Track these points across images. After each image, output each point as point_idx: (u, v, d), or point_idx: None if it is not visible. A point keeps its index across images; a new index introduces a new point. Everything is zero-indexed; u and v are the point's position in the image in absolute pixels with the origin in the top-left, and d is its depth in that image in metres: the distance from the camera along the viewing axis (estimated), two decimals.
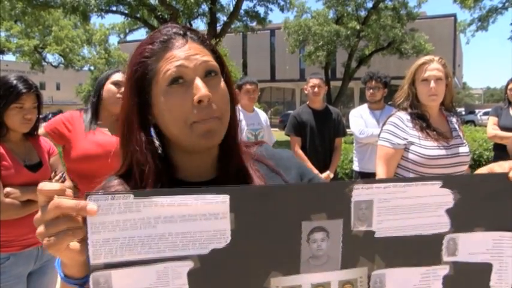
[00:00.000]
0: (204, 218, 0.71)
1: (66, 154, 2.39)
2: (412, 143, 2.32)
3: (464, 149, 2.36)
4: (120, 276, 0.68)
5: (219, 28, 17.45)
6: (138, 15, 17.99)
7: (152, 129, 0.88)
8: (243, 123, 3.93)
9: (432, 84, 2.32)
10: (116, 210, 0.68)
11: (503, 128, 4.18)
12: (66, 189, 0.67)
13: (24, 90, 2.05)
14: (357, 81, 20.67)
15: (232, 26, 18.63)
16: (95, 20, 42.86)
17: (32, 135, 2.21)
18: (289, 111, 21.54)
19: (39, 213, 0.67)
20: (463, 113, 37.22)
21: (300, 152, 4.14)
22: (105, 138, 2.39)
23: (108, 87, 2.44)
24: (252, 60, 38.13)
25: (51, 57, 32.04)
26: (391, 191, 0.78)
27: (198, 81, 0.82)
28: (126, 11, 17.35)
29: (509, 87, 4.38)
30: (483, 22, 19.37)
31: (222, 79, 0.89)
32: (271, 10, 19.51)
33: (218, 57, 0.91)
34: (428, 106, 2.39)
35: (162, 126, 0.87)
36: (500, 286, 0.82)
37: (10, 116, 2.05)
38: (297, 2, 21.91)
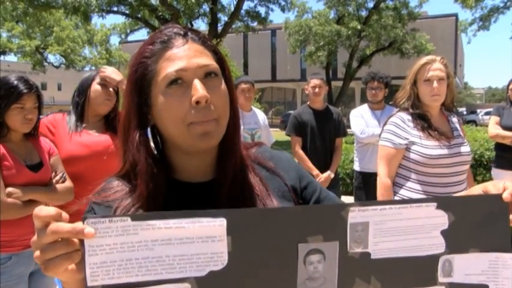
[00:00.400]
0: (201, 240, 0.72)
1: None
2: (413, 143, 2.32)
3: (465, 149, 2.36)
4: None
5: (220, 28, 17.46)
6: (139, 16, 18.01)
7: (149, 130, 0.88)
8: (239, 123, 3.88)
9: (435, 84, 2.32)
10: (113, 233, 0.68)
11: (505, 128, 4.17)
12: (62, 214, 0.68)
13: (25, 91, 2.06)
14: (357, 81, 20.66)
15: (233, 26, 18.64)
16: (96, 20, 43.13)
17: (32, 135, 2.21)
18: (290, 112, 21.55)
19: (36, 236, 0.67)
20: (465, 112, 37.19)
21: (301, 152, 4.14)
22: (91, 139, 2.39)
23: (95, 87, 2.43)
24: (253, 60, 38.14)
25: (53, 58, 32.11)
26: (387, 213, 0.78)
27: (197, 82, 0.82)
28: (127, 12, 17.37)
29: (510, 87, 4.37)
30: (484, 22, 19.34)
31: (223, 80, 0.88)
32: (272, 10, 19.59)
33: (219, 58, 0.90)
34: (429, 106, 2.39)
35: (160, 127, 0.87)
36: None
37: (11, 116, 2.06)
38: (297, 2, 21.93)
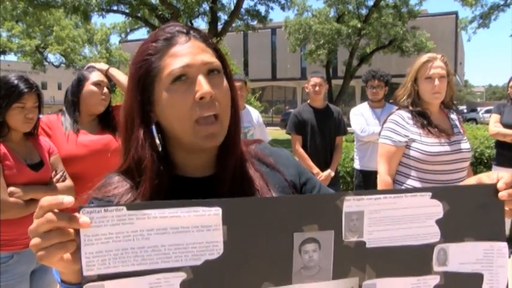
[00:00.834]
0: (196, 229, 0.72)
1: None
2: (413, 140, 2.32)
3: (465, 145, 2.37)
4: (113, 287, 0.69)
5: (220, 27, 17.45)
6: (139, 15, 18.00)
7: (154, 127, 0.89)
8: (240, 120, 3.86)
9: (436, 82, 2.32)
10: (109, 222, 0.69)
11: (506, 126, 4.17)
12: (64, 201, 0.68)
13: (25, 90, 2.06)
14: (358, 79, 20.66)
15: (233, 25, 18.62)
16: (96, 19, 43.10)
17: (32, 134, 2.21)
18: (291, 110, 21.59)
19: (33, 225, 0.68)
20: (465, 110, 37.16)
21: (301, 150, 4.14)
22: (89, 139, 2.40)
23: (90, 88, 2.43)
24: (253, 59, 38.11)
25: (53, 57, 32.12)
26: (382, 202, 0.79)
27: (201, 78, 0.83)
28: (127, 11, 17.36)
29: (510, 84, 4.37)
30: (485, 19, 19.33)
31: (224, 77, 0.89)
32: (272, 9, 19.54)
33: (220, 56, 0.91)
34: (429, 104, 2.39)
35: (164, 123, 0.88)
36: None
37: (12, 116, 2.06)
38: (297, 1, 21.91)
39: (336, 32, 20.25)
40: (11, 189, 2.01)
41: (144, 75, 0.86)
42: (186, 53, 0.85)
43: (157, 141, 0.89)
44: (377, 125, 3.95)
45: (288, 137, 4.38)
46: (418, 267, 0.81)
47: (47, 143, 2.28)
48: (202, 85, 0.82)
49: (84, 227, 0.67)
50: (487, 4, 19.15)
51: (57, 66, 32.94)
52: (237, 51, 32.59)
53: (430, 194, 0.81)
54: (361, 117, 4.25)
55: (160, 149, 0.90)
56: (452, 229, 0.82)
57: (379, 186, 2.43)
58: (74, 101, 2.44)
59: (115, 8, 16.93)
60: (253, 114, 4.18)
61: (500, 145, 4.32)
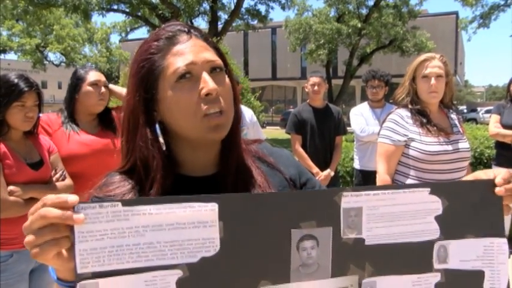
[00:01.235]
0: (192, 226, 0.71)
1: None
2: (412, 140, 2.32)
3: (464, 145, 2.37)
4: (108, 285, 0.67)
5: (220, 26, 17.44)
6: (139, 14, 17.98)
7: (157, 126, 0.89)
8: (241, 118, 3.85)
9: (433, 81, 2.32)
10: (103, 218, 0.67)
11: (506, 126, 4.17)
12: (68, 200, 0.67)
13: (26, 89, 2.06)
14: (358, 79, 20.64)
15: (234, 24, 18.62)
16: (96, 18, 43.07)
17: (32, 133, 2.21)
18: (291, 110, 21.61)
19: (28, 221, 0.67)
20: (465, 111, 37.15)
21: (301, 150, 4.14)
22: (89, 138, 2.42)
23: (87, 89, 2.44)
24: (253, 58, 38.09)
25: (53, 56, 32.12)
26: (380, 198, 0.78)
27: (206, 76, 0.84)
28: (127, 10, 17.35)
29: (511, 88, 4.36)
30: (485, 19, 19.32)
31: (226, 76, 0.90)
32: (272, 8, 19.50)
33: (221, 55, 0.92)
34: (428, 103, 2.39)
35: (168, 121, 0.88)
36: None
37: (12, 115, 2.06)
38: (298, 0, 21.89)
39: (336, 32, 20.23)
40: (11, 188, 2.01)
41: (148, 74, 0.86)
42: (189, 51, 0.85)
43: (162, 140, 0.90)
44: (377, 125, 3.95)
45: (288, 136, 4.38)
46: (418, 264, 0.80)
47: (46, 142, 2.28)
48: (208, 82, 0.83)
49: (78, 223, 0.66)
50: (487, 4, 19.15)
51: (57, 65, 32.93)
52: (237, 51, 32.57)
53: (428, 189, 0.80)
54: (361, 117, 4.24)
55: (164, 148, 0.90)
56: (452, 226, 0.81)
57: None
58: (71, 102, 2.45)
59: (115, 7, 16.93)
60: (246, 113, 4.12)
61: (500, 145, 4.32)
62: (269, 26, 25.16)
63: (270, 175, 0.97)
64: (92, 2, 15.39)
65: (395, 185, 1.98)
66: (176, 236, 0.70)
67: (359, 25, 19.78)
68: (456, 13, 32.47)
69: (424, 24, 23.90)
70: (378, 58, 22.82)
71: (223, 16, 18.23)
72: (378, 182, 2.43)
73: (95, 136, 2.45)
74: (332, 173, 4.14)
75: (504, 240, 0.83)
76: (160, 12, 16.90)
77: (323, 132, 4.17)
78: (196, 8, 17.65)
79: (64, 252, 0.68)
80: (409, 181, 2.35)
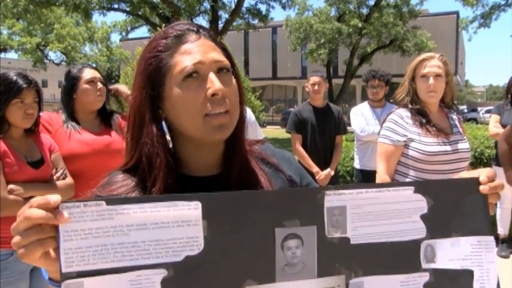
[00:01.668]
0: (176, 225, 0.71)
1: None
2: (412, 140, 2.33)
3: (464, 145, 2.36)
4: (93, 285, 0.67)
5: (220, 26, 17.44)
6: (140, 13, 17.99)
7: (164, 123, 0.89)
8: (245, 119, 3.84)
9: (431, 80, 2.32)
10: (88, 217, 0.68)
11: (506, 126, 4.16)
12: (51, 201, 0.67)
13: (24, 85, 2.07)
14: (358, 79, 20.62)
15: (234, 24, 18.61)
16: (97, 17, 43.01)
17: (32, 131, 2.22)
18: (291, 109, 21.62)
19: (15, 223, 0.67)
20: (465, 110, 37.12)
21: (301, 149, 4.14)
22: (90, 137, 2.42)
23: (84, 87, 2.43)
24: (253, 57, 38.07)
25: (53, 55, 32.10)
26: (364, 197, 0.78)
27: (212, 76, 0.84)
28: (128, 9, 17.35)
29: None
30: (485, 19, 19.31)
31: (233, 76, 0.90)
32: (273, 8, 19.54)
33: (228, 55, 0.92)
34: (427, 103, 2.39)
35: (173, 119, 0.88)
36: None
37: (12, 112, 2.06)
38: (298, 0, 21.87)
39: (337, 31, 20.23)
40: (11, 186, 2.01)
41: (155, 72, 0.87)
42: (196, 50, 0.86)
43: (168, 138, 0.89)
44: (377, 125, 3.95)
45: (288, 136, 4.38)
46: (406, 264, 0.80)
47: (48, 140, 2.28)
48: (214, 82, 0.83)
49: (62, 222, 0.66)
50: (488, 4, 19.15)
51: (57, 64, 32.90)
52: (238, 50, 32.55)
53: (412, 188, 0.80)
54: (361, 117, 4.25)
55: (171, 145, 0.90)
56: (438, 224, 0.81)
57: None
58: (70, 102, 2.45)
59: (116, 6, 16.94)
60: None
61: None
62: (270, 25, 25.14)
63: (272, 177, 0.98)
64: (93, 1, 15.40)
65: (379, 183, 1.97)
66: (160, 235, 0.70)
67: (359, 25, 19.77)
68: (457, 13, 32.46)
69: (424, 24, 23.89)
70: (378, 58, 22.82)
71: (224, 15, 18.26)
72: (377, 182, 2.43)
73: (97, 135, 2.45)
74: (332, 173, 4.14)
75: (491, 238, 0.83)
76: (160, 11, 16.91)
77: (323, 132, 4.17)
78: (197, 7, 17.64)
79: (51, 252, 0.68)
80: (408, 181, 2.35)
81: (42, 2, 15.59)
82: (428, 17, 30.18)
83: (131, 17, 20.56)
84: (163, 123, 0.89)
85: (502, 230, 4.56)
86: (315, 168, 4.02)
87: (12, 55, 47.59)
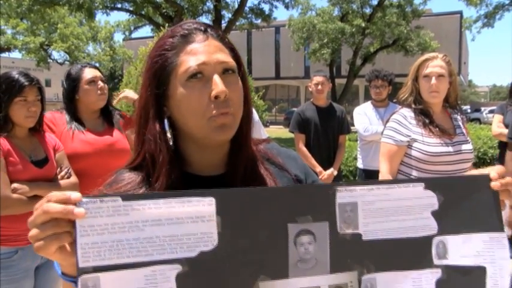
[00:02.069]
0: (191, 220, 0.71)
1: None
2: (415, 140, 2.32)
3: (467, 146, 2.36)
4: (109, 280, 0.68)
5: (223, 25, 17.43)
6: (143, 13, 18.00)
7: (166, 121, 0.90)
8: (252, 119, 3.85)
9: (433, 80, 2.32)
10: (104, 213, 0.69)
11: (508, 126, 4.16)
12: (71, 197, 0.68)
13: (26, 83, 2.08)
14: (361, 78, 20.56)
15: (237, 23, 18.59)
16: (100, 17, 43.06)
17: (37, 130, 2.23)
18: (294, 109, 21.58)
19: (32, 216, 0.69)
20: (469, 110, 37.00)
21: (304, 149, 4.14)
22: (93, 137, 2.43)
23: (85, 88, 2.45)
24: (256, 57, 38.07)
25: (57, 55, 32.14)
26: (375, 193, 0.78)
27: (216, 78, 0.84)
28: (131, 8, 17.37)
29: None
30: (489, 19, 19.24)
31: (239, 77, 0.90)
32: (276, 7, 19.51)
33: (235, 55, 0.92)
34: (430, 103, 2.39)
35: (176, 118, 0.89)
36: None
37: (15, 110, 2.07)
38: (301, 0, 21.85)
39: (340, 31, 20.19)
40: (14, 185, 2.03)
41: (160, 69, 0.87)
42: (202, 51, 0.86)
43: (169, 135, 0.90)
44: (380, 125, 3.94)
45: (291, 135, 4.38)
46: (417, 260, 0.80)
47: (52, 139, 2.29)
48: (218, 84, 0.83)
49: (80, 217, 0.67)
50: (491, 3, 19.05)
51: (61, 64, 32.95)
52: (241, 50, 31.90)
53: (422, 184, 0.80)
54: (364, 117, 4.24)
55: (171, 143, 0.90)
56: (449, 221, 0.81)
57: None
58: (72, 104, 2.47)
59: (119, 5, 16.95)
60: None
61: (503, 145, 4.30)
62: (273, 25, 25.13)
63: (278, 176, 0.98)
64: (96, 0, 15.41)
65: (389, 179, 1.97)
66: (175, 231, 0.71)
67: (363, 24, 19.73)
68: (460, 12, 32.34)
69: (428, 23, 23.83)
70: (381, 57, 22.77)
71: (227, 15, 18.23)
72: None
73: (100, 134, 2.46)
74: (335, 172, 4.14)
75: (503, 235, 0.83)
76: (164, 11, 16.92)
77: (326, 131, 4.17)
78: (200, 7, 17.64)
79: (67, 246, 0.69)
80: (418, 177, 2.35)
81: (46, 2, 15.63)
82: (432, 17, 30.12)
83: (134, 16, 20.59)
84: (166, 121, 0.89)
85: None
86: (318, 168, 4.02)
87: (16, 54, 47.76)
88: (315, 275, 0.76)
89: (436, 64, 2.35)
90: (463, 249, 0.82)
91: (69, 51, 30.02)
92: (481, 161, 5.80)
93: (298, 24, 21.94)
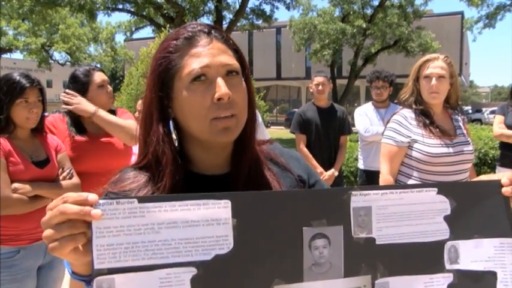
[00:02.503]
0: (206, 223, 0.71)
1: None
2: (415, 141, 2.33)
3: (467, 147, 2.36)
4: (123, 282, 0.68)
5: (224, 26, 17.44)
6: (144, 13, 18.03)
7: (171, 123, 0.90)
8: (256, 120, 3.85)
9: (434, 81, 2.32)
10: (120, 215, 0.69)
11: (510, 127, 4.16)
12: (88, 198, 0.68)
13: (27, 85, 2.09)
14: (362, 79, 20.51)
15: (238, 24, 18.62)
16: (102, 18, 43.09)
17: (39, 131, 2.23)
18: (295, 109, 21.56)
19: (46, 216, 0.69)
20: (470, 111, 36.98)
21: (305, 149, 4.14)
22: (95, 139, 2.44)
23: (97, 92, 2.45)
24: (257, 58, 38.07)
25: (58, 55, 32.18)
26: (389, 197, 0.79)
27: (220, 80, 0.85)
28: (133, 9, 17.40)
29: None
30: (490, 19, 19.23)
31: (243, 79, 0.91)
32: (277, 8, 19.52)
33: (240, 57, 0.93)
34: (431, 104, 2.39)
35: (180, 120, 0.90)
36: None
37: (16, 112, 2.08)
38: (302, 0, 21.85)
39: (341, 32, 20.18)
40: (15, 185, 2.03)
41: (164, 72, 0.88)
42: (206, 54, 0.86)
43: (174, 136, 0.91)
44: (381, 125, 3.95)
45: (292, 136, 4.39)
46: (430, 265, 0.81)
47: (54, 140, 2.30)
48: (221, 87, 0.84)
49: (96, 219, 0.68)
50: (493, 4, 19.05)
51: (62, 65, 32.99)
52: (242, 51, 32.37)
53: (436, 189, 0.81)
54: (365, 117, 4.24)
55: (176, 144, 0.91)
56: (461, 226, 0.82)
57: None
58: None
59: (120, 6, 16.98)
60: None
61: (505, 146, 4.30)
62: (274, 25, 25.14)
63: (281, 176, 0.99)
64: (97, 1, 15.44)
65: (403, 184, 1.98)
66: (190, 234, 0.71)
67: (364, 25, 19.72)
68: (461, 13, 32.32)
69: (429, 24, 23.81)
70: (382, 58, 22.75)
71: (228, 16, 18.24)
72: (381, 182, 2.44)
73: (101, 136, 2.46)
74: (336, 173, 4.14)
75: None
76: (165, 12, 16.94)
77: (327, 132, 4.17)
78: (201, 8, 17.66)
79: (80, 247, 0.70)
80: (411, 182, 2.35)
81: (48, 3, 15.65)
82: (433, 18, 30.07)
83: (136, 17, 20.63)
84: (171, 122, 0.90)
85: None
86: (319, 169, 4.02)
87: (17, 55, 47.83)
88: (329, 278, 0.76)
89: (436, 65, 2.35)
90: (474, 254, 0.82)
91: (70, 52, 30.05)
92: (482, 161, 5.79)
93: (299, 25, 21.94)
